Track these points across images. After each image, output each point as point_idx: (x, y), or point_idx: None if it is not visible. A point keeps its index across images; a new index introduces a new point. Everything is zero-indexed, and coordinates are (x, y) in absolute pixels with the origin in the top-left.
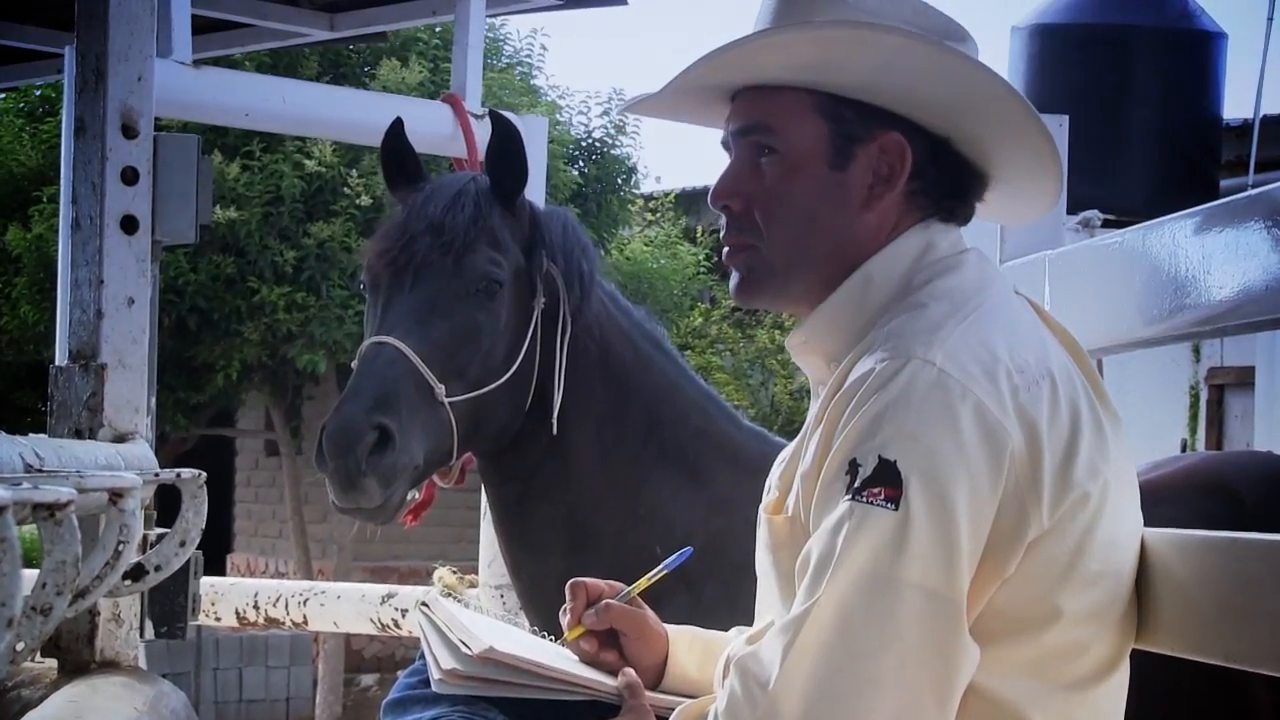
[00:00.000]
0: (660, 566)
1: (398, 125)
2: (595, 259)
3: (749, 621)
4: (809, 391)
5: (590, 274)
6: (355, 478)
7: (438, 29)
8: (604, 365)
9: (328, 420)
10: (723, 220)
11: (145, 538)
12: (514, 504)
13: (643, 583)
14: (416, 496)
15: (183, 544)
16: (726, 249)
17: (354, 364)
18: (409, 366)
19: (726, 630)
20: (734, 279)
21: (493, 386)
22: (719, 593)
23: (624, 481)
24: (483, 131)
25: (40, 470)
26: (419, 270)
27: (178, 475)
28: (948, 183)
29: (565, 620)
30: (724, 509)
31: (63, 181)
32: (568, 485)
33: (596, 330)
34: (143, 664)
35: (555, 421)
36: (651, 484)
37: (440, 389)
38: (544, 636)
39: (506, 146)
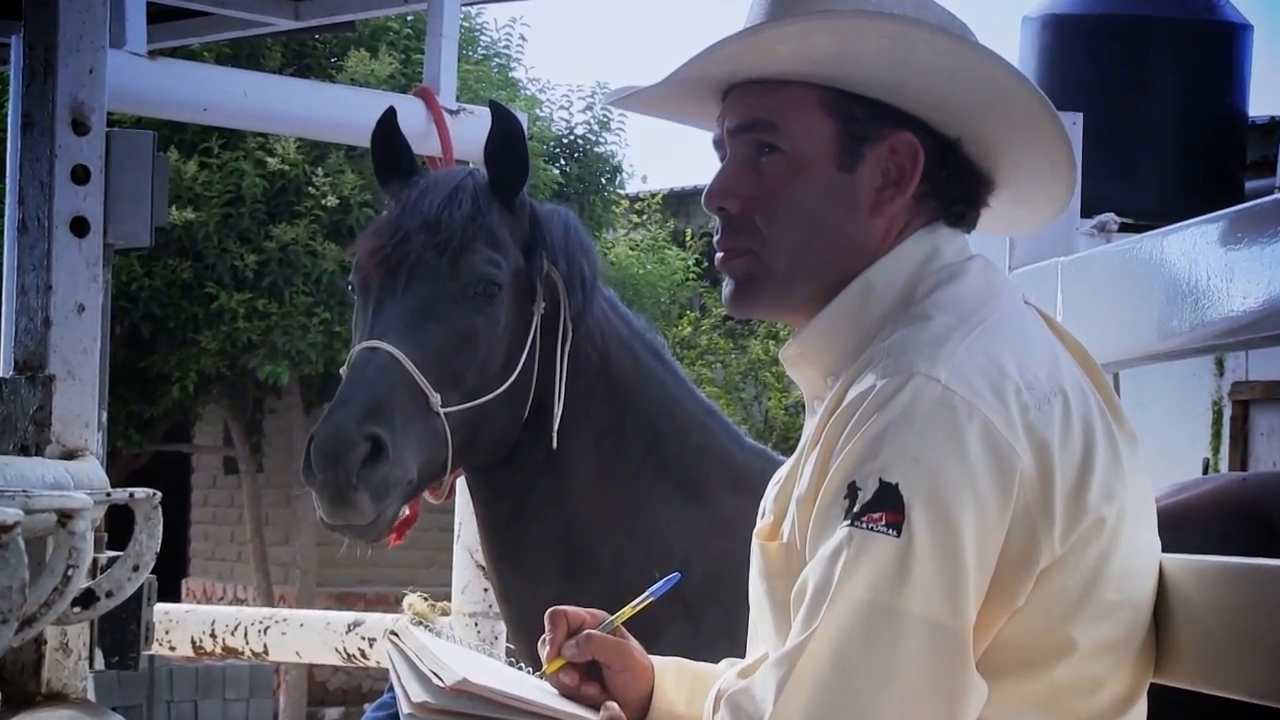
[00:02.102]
0: (646, 593)
1: (390, 115)
2: (597, 262)
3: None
4: (805, 406)
5: (593, 278)
6: (346, 492)
7: (409, 18)
8: (604, 376)
9: (316, 430)
10: (716, 223)
11: (95, 562)
12: (505, 523)
13: (627, 611)
14: (405, 513)
15: (136, 568)
16: (721, 254)
17: (343, 370)
18: (403, 374)
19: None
20: (728, 286)
21: (490, 396)
22: (719, 621)
23: (622, 501)
24: (457, 128)
25: None
26: (413, 270)
27: (130, 495)
28: (957, 185)
29: (545, 651)
30: (726, 531)
31: (8, 180)
32: (563, 503)
33: (598, 338)
34: (91, 696)
35: (554, 436)
36: (650, 504)
37: (435, 398)
38: (522, 668)
39: (507, 140)
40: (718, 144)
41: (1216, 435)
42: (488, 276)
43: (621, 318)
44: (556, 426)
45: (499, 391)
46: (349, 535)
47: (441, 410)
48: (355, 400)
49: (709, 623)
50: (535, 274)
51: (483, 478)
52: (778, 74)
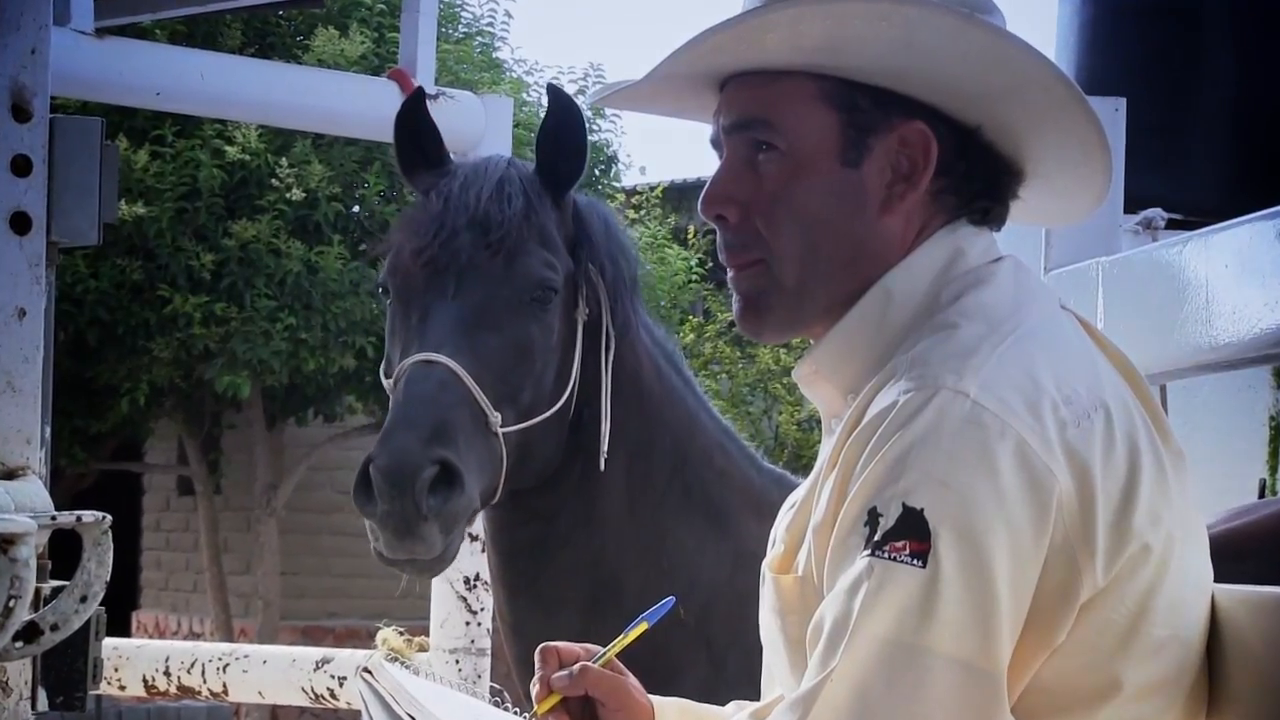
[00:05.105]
0: (639, 618)
1: (417, 97)
2: (637, 263)
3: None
4: (822, 425)
5: (635, 282)
6: (414, 523)
7: None
8: (638, 390)
9: (375, 453)
10: (719, 235)
11: (39, 592)
12: (527, 550)
13: (620, 641)
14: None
15: (83, 599)
16: (731, 271)
17: (393, 385)
18: (464, 391)
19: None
20: (737, 304)
21: (546, 415)
22: (742, 661)
23: (650, 528)
24: (437, 114)
25: None
26: (463, 273)
27: (78, 518)
28: (979, 179)
29: (535, 690)
30: (750, 564)
31: None
32: (591, 529)
33: (638, 349)
34: None
35: (604, 457)
36: (677, 532)
37: (495, 418)
38: (510, 709)
39: (564, 124)
40: (715, 143)
41: (1274, 454)
42: (544, 280)
43: (645, 326)
44: (606, 447)
45: (555, 409)
46: (410, 570)
47: (500, 430)
48: (419, 421)
49: (734, 662)
50: (580, 277)
51: (509, 500)
52: (771, 64)
